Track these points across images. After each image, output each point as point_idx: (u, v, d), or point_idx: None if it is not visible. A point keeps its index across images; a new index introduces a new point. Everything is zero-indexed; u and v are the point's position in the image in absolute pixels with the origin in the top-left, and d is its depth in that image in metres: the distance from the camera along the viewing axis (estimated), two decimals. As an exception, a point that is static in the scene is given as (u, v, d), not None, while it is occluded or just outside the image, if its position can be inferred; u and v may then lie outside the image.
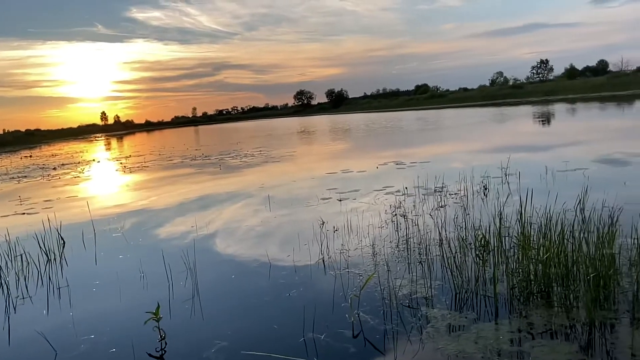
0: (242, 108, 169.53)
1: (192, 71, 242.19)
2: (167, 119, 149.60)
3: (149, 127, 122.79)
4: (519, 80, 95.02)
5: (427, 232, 4.96)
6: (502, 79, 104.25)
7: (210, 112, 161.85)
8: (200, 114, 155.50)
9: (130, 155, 23.26)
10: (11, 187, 13.48)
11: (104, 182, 13.73)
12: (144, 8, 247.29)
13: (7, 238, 5.95)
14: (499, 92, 73.32)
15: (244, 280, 4.26)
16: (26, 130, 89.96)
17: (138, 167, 16.45)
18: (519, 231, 3.97)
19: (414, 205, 6.30)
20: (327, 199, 7.43)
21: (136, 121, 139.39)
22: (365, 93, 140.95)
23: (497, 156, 9.79)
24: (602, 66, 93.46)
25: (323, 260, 4.49)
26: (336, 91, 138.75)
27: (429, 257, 4.25)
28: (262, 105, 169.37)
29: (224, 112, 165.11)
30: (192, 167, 14.71)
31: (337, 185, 8.61)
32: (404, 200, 6.68)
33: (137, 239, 6.01)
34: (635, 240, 3.72)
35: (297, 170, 11.93)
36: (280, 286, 3.97)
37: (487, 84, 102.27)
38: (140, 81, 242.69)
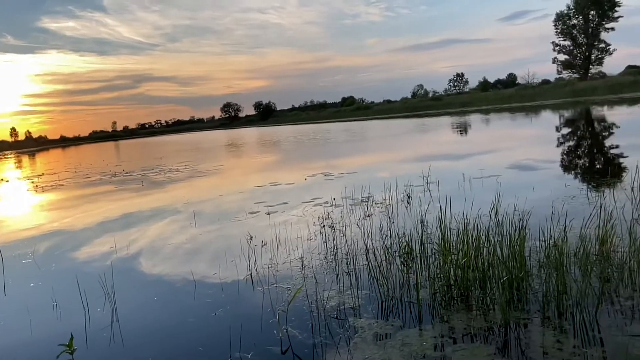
0: (166, 121, 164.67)
1: (112, 83, 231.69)
2: (85, 133, 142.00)
3: (64, 142, 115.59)
4: (438, 93, 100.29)
5: (354, 242, 5.04)
6: (422, 91, 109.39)
7: (132, 126, 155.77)
8: (121, 128, 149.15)
9: (43, 174, 21.69)
10: None
11: (12, 204, 12.67)
12: (56, 18, 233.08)
13: None
14: (420, 104, 76.88)
15: (168, 301, 4.08)
16: None
17: (52, 186, 15.37)
18: (440, 237, 4.14)
19: (341, 216, 6.39)
20: (255, 212, 7.35)
21: (50, 137, 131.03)
22: (293, 105, 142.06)
23: (420, 165, 10.20)
24: (511, 79, 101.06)
25: (251, 276, 4.41)
26: (264, 103, 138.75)
27: (356, 267, 4.32)
28: (187, 118, 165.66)
29: (147, 125, 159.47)
30: (112, 184, 13.99)
31: (266, 198, 8.55)
32: (332, 211, 6.75)
33: (50, 265, 5.59)
34: (543, 243, 4.01)
35: (224, 184, 11.72)
36: (206, 305, 3.85)
37: (409, 96, 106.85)
38: (55, 94, 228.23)
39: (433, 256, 4.13)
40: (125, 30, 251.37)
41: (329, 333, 3.13)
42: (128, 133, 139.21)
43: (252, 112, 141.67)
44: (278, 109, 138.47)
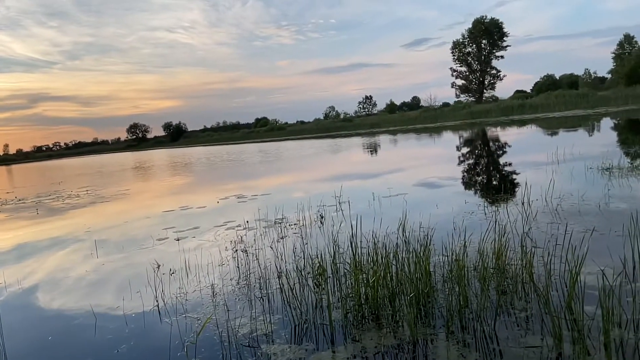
0: (65, 143, 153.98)
1: (3, 103, 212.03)
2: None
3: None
4: (349, 114, 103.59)
5: (267, 266, 4.97)
6: (334, 112, 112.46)
7: (27, 148, 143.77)
8: (14, 151, 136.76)
9: None
10: None
11: None
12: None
13: None
14: (332, 125, 78.95)
15: (64, 340, 3.74)
16: None
17: None
18: (351, 256, 4.21)
19: (254, 239, 6.29)
20: (163, 239, 7.02)
21: None
22: (205, 126, 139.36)
23: (332, 184, 10.39)
24: (415, 102, 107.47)
25: (158, 307, 4.18)
26: (174, 124, 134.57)
27: (269, 292, 4.25)
28: (90, 140, 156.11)
29: (44, 148, 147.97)
30: (1, 213, 12.69)
31: (175, 223, 8.21)
32: (245, 235, 6.64)
33: None
34: (446, 258, 4.22)
35: (130, 209, 11.11)
36: (107, 342, 3.57)
37: (322, 117, 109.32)
38: None
39: (345, 276, 4.19)
40: (19, 46, 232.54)
41: (241, 362, 3.03)
42: (22, 157, 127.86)
43: (161, 133, 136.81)
44: (189, 130, 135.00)
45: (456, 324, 3.22)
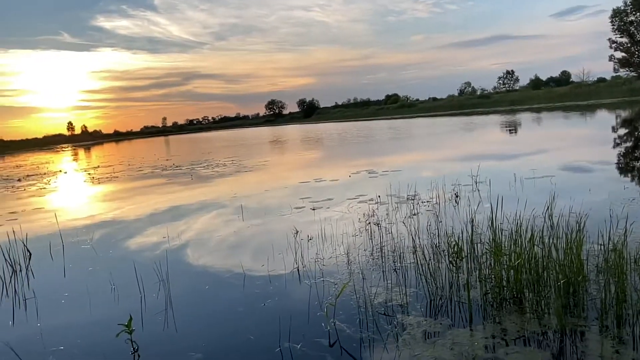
0: (213, 118, 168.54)
1: (162, 81, 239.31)
2: (137, 128, 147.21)
3: (117, 137, 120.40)
4: (486, 91, 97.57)
5: (400, 240, 5.01)
6: (470, 89, 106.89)
7: (181, 121, 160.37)
8: (171, 124, 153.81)
9: (98, 166, 22.72)
10: (-28, 198, 12.94)
11: (71, 194, 13.35)
12: (111, 17, 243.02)
13: (-32, 251, 5.70)
14: (468, 102, 75.14)
15: (218, 290, 4.20)
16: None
17: (107, 178, 16.08)
18: (491, 238, 4.04)
19: (387, 214, 6.35)
20: (300, 208, 7.42)
21: (105, 131, 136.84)
22: (336, 102, 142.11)
23: (468, 164, 9.99)
24: (564, 77, 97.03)
25: (298, 270, 4.47)
26: (307, 101, 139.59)
27: (403, 265, 4.29)
28: (233, 115, 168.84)
29: (195, 122, 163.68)
30: (163, 178, 14.47)
31: (310, 194, 8.62)
32: (377, 209, 6.73)
33: (107, 251, 5.86)
34: (602, 247, 3.85)
35: (269, 179, 11.89)
36: (254, 296, 3.93)
37: (456, 93, 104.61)
38: (109, 91, 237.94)
39: (484, 256, 4.04)
40: (175, 29, 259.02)
41: (377, 329, 3.14)
42: (177, 129, 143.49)
43: (295, 109, 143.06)
44: (321, 107, 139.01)
45: (611, 319, 2.95)
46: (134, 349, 3.07)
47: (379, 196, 7.52)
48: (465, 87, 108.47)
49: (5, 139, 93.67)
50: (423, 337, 2.96)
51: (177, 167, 17.84)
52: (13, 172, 23.32)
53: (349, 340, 3.03)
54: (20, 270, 5.21)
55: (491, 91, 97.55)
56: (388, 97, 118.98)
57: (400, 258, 4.47)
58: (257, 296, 3.92)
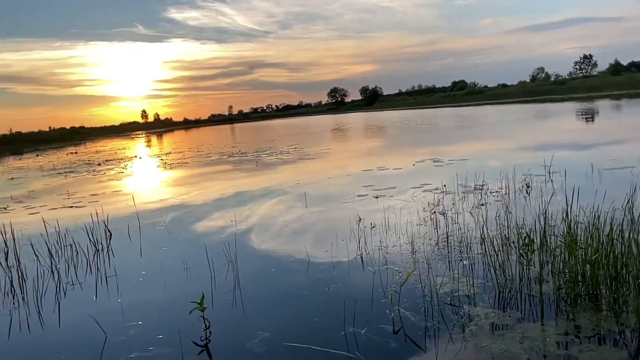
0: (276, 106, 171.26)
1: (228, 70, 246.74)
2: (205, 116, 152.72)
3: (187, 124, 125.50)
4: (561, 76, 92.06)
5: (467, 230, 4.89)
6: (543, 75, 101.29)
7: (246, 110, 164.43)
8: (236, 112, 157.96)
9: (170, 152, 23.85)
10: (59, 181, 14.06)
11: (146, 178, 14.15)
12: (181, 8, 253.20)
13: (57, 229, 6.21)
14: (540, 89, 71.33)
15: (283, 274, 4.31)
16: (71, 127, 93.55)
17: (178, 163, 16.86)
18: (565, 230, 3.85)
19: (453, 203, 6.21)
20: (363, 195, 7.42)
21: (175, 119, 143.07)
22: (400, 90, 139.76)
23: (540, 154, 9.52)
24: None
25: (361, 257, 4.49)
26: (370, 88, 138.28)
27: (470, 256, 4.19)
28: (296, 103, 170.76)
29: (259, 110, 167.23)
30: (229, 164, 14.96)
31: (373, 182, 8.58)
32: (443, 198, 6.59)
33: (179, 232, 6.18)
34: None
35: (332, 167, 11.95)
36: (319, 281, 4.00)
37: (528, 80, 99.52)
38: (179, 80, 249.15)
39: (557, 250, 3.86)
40: (241, 18, 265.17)
41: (442, 318, 3.10)
42: (242, 117, 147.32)
43: (358, 97, 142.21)
44: (384, 94, 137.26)
45: (702, 323, 2.73)
46: (205, 325, 3.23)
47: (445, 185, 7.35)
48: (538, 73, 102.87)
49: (86, 126, 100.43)
50: (491, 329, 2.90)
51: (242, 153, 18.35)
52: (94, 157, 25.02)
53: (414, 328, 3.01)
54: (102, 250, 5.61)
55: (566, 77, 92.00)
56: (454, 83, 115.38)
57: (467, 248, 4.37)
58: (321, 281, 3.98)
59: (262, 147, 20.60)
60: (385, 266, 4.16)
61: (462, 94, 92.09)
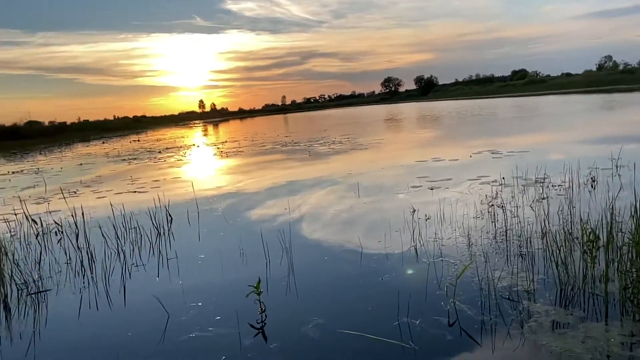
0: (329, 96, 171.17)
1: (282, 60, 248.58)
2: (259, 106, 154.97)
3: (241, 114, 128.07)
4: (630, 65, 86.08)
5: (527, 225, 4.73)
6: (611, 63, 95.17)
7: (299, 100, 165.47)
8: (289, 102, 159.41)
9: (225, 141, 24.48)
10: (123, 168, 14.81)
11: (203, 166, 14.62)
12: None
13: (123, 212, 6.56)
14: (608, 78, 67.16)
15: (336, 262, 4.35)
16: (133, 116, 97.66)
17: (234, 152, 17.29)
18: (633, 227, 3.65)
19: (512, 196, 6.01)
20: (417, 187, 7.32)
21: (230, 109, 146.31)
22: (456, 79, 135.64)
23: (607, 147, 9.01)
24: None
25: (415, 248, 4.45)
26: (425, 78, 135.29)
27: (530, 250, 4.06)
28: (348, 93, 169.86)
29: (312, 100, 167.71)
30: (282, 153, 15.17)
31: (428, 173, 8.44)
32: (501, 191, 6.39)
33: (235, 219, 6.36)
34: None
35: (385, 157, 11.85)
36: (372, 270, 4.01)
37: (594, 69, 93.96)
38: (235, 71, 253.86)
39: (624, 248, 3.66)
40: (295, 8, 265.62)
41: (500, 313, 3.03)
42: (295, 107, 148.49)
43: (412, 86, 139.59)
44: (440, 83, 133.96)
45: None
46: (261, 309, 3.33)
47: (503, 178, 7.12)
48: (606, 62, 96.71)
49: (147, 115, 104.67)
50: (551, 327, 2.80)
51: (295, 143, 18.55)
52: (154, 145, 26.10)
53: (470, 321, 2.97)
54: (164, 233, 5.87)
55: (636, 65, 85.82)
56: (514, 72, 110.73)
57: (526, 243, 4.23)
58: (374, 270, 3.99)
59: (314, 137, 20.72)
60: (440, 258, 4.10)
61: (522, 83, 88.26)
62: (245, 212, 6.75)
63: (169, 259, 4.84)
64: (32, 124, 52.90)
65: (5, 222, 6.99)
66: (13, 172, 16.24)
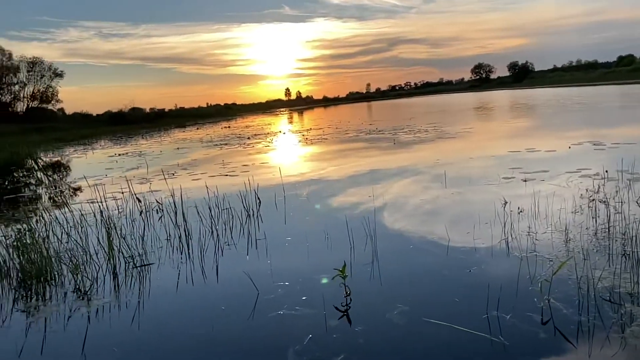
0: (415, 83, 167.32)
1: (368, 47, 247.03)
2: (343, 94, 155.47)
3: (326, 102, 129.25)
4: None
5: (633, 222, 4.34)
6: None
7: (383, 87, 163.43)
8: (374, 90, 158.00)
9: (310, 129, 24.91)
10: (215, 152, 15.63)
11: (289, 152, 15.02)
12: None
13: (216, 194, 6.95)
14: None
15: (422, 251, 4.30)
16: (225, 104, 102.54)
17: (318, 139, 17.56)
18: None
19: (616, 191, 5.55)
20: (509, 178, 6.99)
21: (315, 97, 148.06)
22: (554, 65, 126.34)
23: None
24: None
25: (506, 241, 4.28)
26: (519, 64, 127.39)
27: (636, 250, 3.74)
28: (435, 80, 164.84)
29: (397, 87, 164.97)
30: (366, 141, 15.14)
31: (521, 164, 8.02)
32: (604, 185, 5.92)
33: (319, 204, 6.49)
34: None
35: (474, 147, 11.41)
36: (459, 261, 3.92)
37: None
38: (320, 59, 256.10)
39: None
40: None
41: (599, 315, 2.84)
42: (379, 94, 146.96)
43: (505, 73, 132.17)
44: (536, 70, 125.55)
45: None
46: (346, 292, 3.39)
47: (607, 171, 6.58)
48: None
49: (237, 103, 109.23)
50: (659, 333, 2.58)
51: (379, 131, 18.41)
52: (244, 131, 27.22)
53: (565, 321, 2.81)
54: (253, 215, 6.14)
55: None
56: (621, 58, 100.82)
57: (632, 241, 3.90)
58: (462, 262, 3.90)
59: (399, 125, 20.43)
60: (534, 253, 3.91)
61: (628, 69, 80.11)
62: (329, 198, 6.86)
63: (257, 240, 5.07)
64: (135, 110, 57.36)
65: (114, 199, 7.69)
66: (119, 155, 17.76)
